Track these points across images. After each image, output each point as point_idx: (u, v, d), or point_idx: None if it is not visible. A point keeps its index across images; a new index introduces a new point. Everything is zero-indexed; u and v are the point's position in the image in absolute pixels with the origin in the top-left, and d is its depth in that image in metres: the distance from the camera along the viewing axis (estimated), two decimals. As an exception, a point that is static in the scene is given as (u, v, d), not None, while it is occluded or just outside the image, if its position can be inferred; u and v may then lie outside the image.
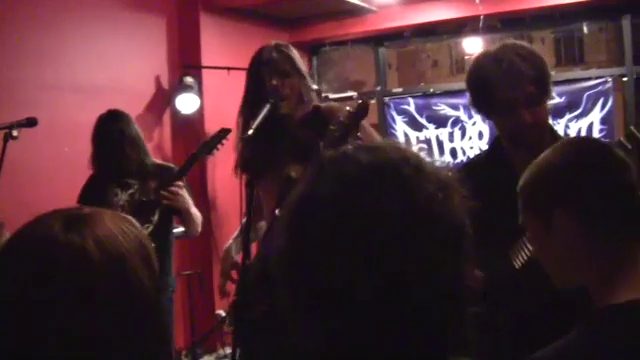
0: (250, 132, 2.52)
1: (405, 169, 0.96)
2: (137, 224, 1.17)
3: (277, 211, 2.43)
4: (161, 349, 1.13)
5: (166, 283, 3.76)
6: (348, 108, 2.37)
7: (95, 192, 3.73)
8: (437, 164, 1.02)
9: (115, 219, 1.12)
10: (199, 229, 3.75)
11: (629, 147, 1.91)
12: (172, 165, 3.86)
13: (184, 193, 3.50)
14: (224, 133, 3.39)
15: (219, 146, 3.42)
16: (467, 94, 2.36)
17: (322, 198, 0.97)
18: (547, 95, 2.23)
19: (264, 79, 2.73)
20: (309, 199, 0.99)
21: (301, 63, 2.82)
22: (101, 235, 1.07)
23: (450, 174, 1.01)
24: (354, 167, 0.98)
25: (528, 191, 1.44)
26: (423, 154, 1.03)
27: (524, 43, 2.32)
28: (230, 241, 2.96)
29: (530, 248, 2.10)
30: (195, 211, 3.63)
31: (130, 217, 1.18)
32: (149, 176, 3.69)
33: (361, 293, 0.93)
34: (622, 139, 1.98)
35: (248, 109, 2.77)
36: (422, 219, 0.94)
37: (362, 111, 2.34)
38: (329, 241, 0.95)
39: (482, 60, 2.27)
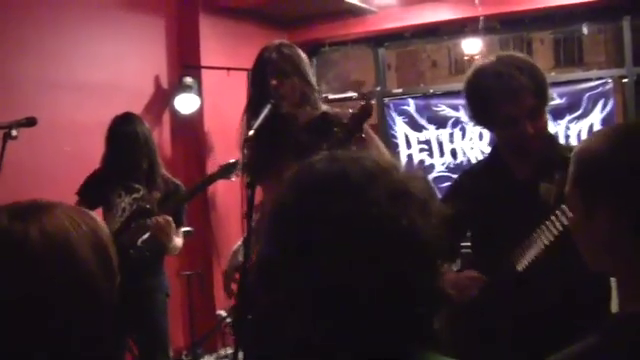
0: (251, 133, 2.51)
1: (354, 177, 1.03)
2: (95, 217, 1.20)
3: None
4: (110, 335, 1.15)
5: (160, 283, 3.83)
6: (351, 110, 2.36)
7: (99, 188, 3.75)
8: (405, 175, 1.07)
9: (67, 211, 1.14)
10: (175, 254, 3.85)
11: None
12: (180, 183, 3.88)
13: (170, 230, 3.53)
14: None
15: (238, 172, 3.43)
16: (466, 107, 2.36)
17: (284, 205, 1.07)
18: (546, 104, 2.23)
19: (264, 80, 2.73)
20: (277, 206, 1.09)
21: (304, 63, 2.80)
22: (47, 224, 1.09)
23: (416, 185, 1.06)
24: (308, 175, 1.07)
25: (581, 170, 1.32)
26: (395, 164, 1.09)
27: (519, 54, 2.32)
28: (239, 242, 2.95)
29: (534, 251, 2.10)
30: (175, 243, 3.69)
31: (89, 212, 1.20)
32: (156, 186, 3.72)
33: (311, 293, 1.01)
34: None
35: (251, 110, 2.77)
36: (368, 224, 1.00)
37: (365, 113, 2.32)
38: (285, 247, 1.03)
39: (482, 75, 2.25)
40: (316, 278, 0.99)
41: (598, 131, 1.37)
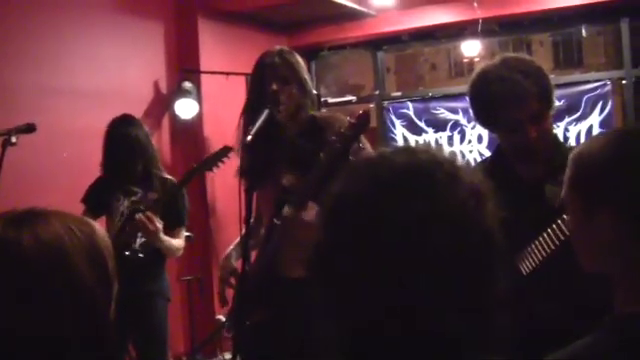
0: (248, 139, 2.51)
1: (438, 174, 0.97)
2: (94, 225, 1.19)
3: (275, 220, 2.42)
4: (107, 341, 1.15)
5: (160, 287, 3.78)
6: (349, 119, 2.35)
7: (100, 195, 3.75)
8: (470, 170, 1.03)
9: (64, 218, 1.14)
10: (176, 255, 3.81)
11: None
12: (173, 179, 3.83)
13: (152, 227, 3.46)
14: (226, 151, 3.37)
15: (220, 164, 3.41)
16: (470, 108, 2.36)
17: (355, 198, 0.99)
18: (550, 108, 2.23)
19: (263, 84, 2.72)
20: (343, 199, 1.00)
21: (304, 71, 2.79)
22: (41, 231, 1.09)
23: (483, 180, 1.02)
24: (388, 169, 0.99)
25: (578, 173, 1.34)
26: (458, 159, 1.03)
27: (525, 56, 2.30)
28: (231, 247, 2.95)
29: (540, 255, 2.10)
30: (172, 243, 3.64)
31: (87, 219, 1.20)
32: (152, 187, 3.69)
33: (386, 292, 0.94)
34: None
35: (249, 114, 2.77)
36: (452, 224, 0.94)
37: (363, 122, 2.31)
38: (359, 241, 0.96)
39: (485, 79, 2.24)
40: (389, 278, 0.94)
41: (597, 135, 1.38)
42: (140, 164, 3.70)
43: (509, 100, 2.14)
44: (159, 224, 3.49)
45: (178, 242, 3.72)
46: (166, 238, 3.59)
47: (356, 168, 1.04)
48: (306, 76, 2.79)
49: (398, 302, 0.94)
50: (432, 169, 0.98)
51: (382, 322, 0.95)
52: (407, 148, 1.05)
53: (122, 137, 3.68)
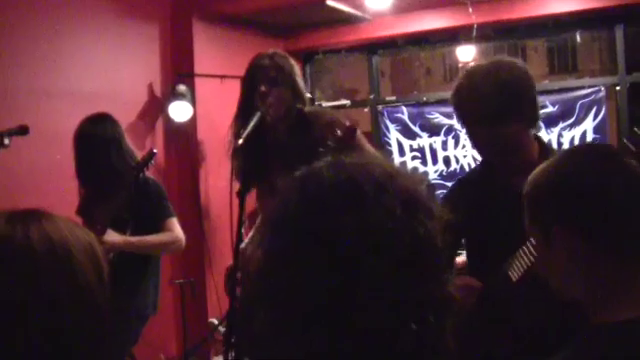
0: (240, 142, 2.52)
1: (366, 186, 0.97)
2: (91, 233, 1.19)
3: None
4: (104, 348, 1.14)
5: (126, 304, 3.47)
6: (338, 131, 2.34)
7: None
8: (410, 180, 1.02)
9: (66, 221, 1.15)
10: (164, 250, 3.66)
11: (633, 149, 1.89)
12: (149, 182, 3.60)
13: (112, 238, 3.33)
14: (151, 155, 3.35)
15: (145, 170, 3.35)
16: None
17: (286, 215, 1.00)
18: (516, 114, 2.19)
19: (254, 86, 2.74)
20: (276, 215, 1.01)
21: (296, 75, 2.79)
22: (48, 228, 1.09)
23: (422, 190, 1.02)
24: (316, 185, 1.00)
25: (529, 202, 1.39)
26: (398, 168, 1.04)
27: (514, 60, 2.29)
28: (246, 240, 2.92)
29: (527, 261, 2.10)
30: (144, 243, 3.48)
31: (85, 228, 1.20)
32: (119, 192, 3.44)
33: (318, 307, 0.94)
34: (626, 141, 1.97)
35: (240, 117, 2.78)
36: (375, 235, 0.94)
37: (349, 136, 2.31)
38: (291, 256, 0.97)
39: (466, 73, 2.30)
40: (323, 292, 0.94)
41: (539, 167, 1.40)
42: (101, 167, 3.55)
43: (468, 96, 2.21)
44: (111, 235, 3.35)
45: (156, 237, 3.52)
46: (134, 239, 3.44)
47: (289, 185, 1.04)
48: (297, 79, 2.79)
49: (337, 318, 0.93)
50: (359, 182, 0.98)
51: (329, 337, 0.95)
52: (338, 162, 1.04)
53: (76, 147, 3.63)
